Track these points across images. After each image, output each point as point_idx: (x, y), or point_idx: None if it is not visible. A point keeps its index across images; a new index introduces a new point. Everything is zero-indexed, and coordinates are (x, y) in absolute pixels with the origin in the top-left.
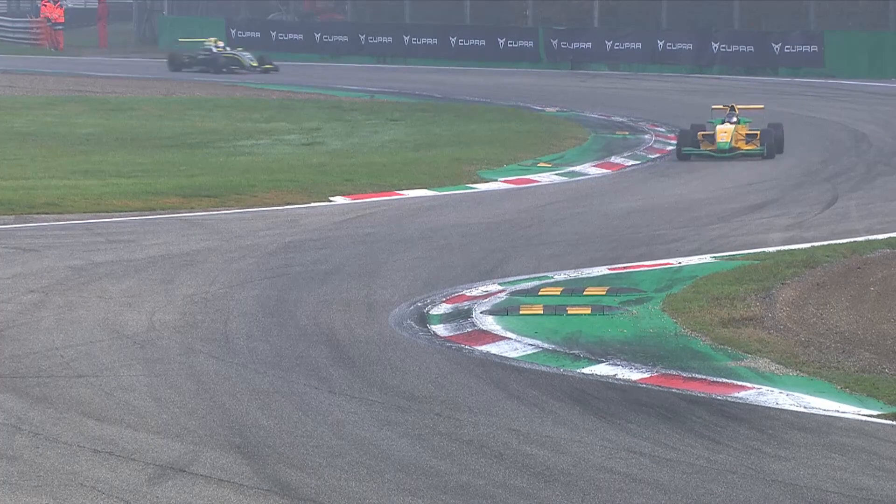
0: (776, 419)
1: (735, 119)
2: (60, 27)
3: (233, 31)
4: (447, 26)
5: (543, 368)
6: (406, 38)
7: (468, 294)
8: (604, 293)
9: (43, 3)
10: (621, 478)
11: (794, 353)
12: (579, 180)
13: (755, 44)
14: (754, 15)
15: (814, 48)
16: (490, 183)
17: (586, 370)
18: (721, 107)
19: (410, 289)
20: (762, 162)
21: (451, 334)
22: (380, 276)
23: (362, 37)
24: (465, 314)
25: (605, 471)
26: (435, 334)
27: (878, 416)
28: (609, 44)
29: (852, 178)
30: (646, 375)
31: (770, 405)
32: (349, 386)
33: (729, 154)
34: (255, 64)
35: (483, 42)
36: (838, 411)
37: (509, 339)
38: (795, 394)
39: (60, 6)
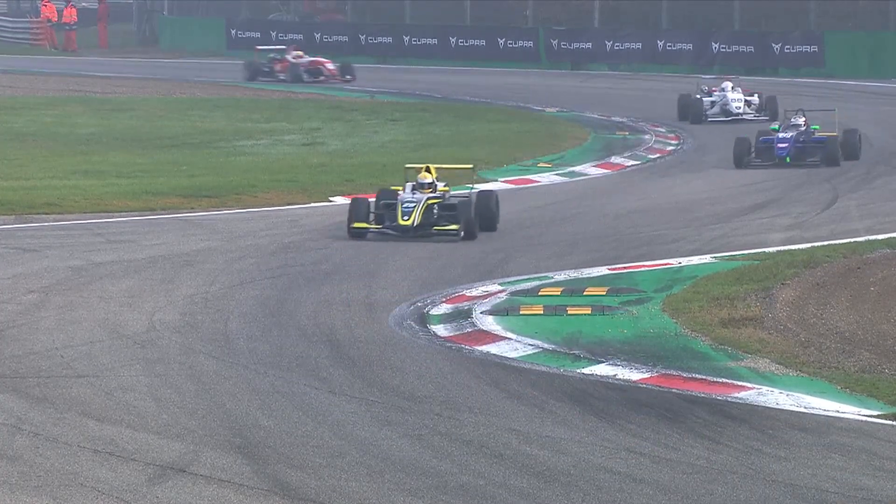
0: (776, 419)
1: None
2: (74, 27)
3: (233, 32)
4: (447, 26)
5: (543, 368)
6: (406, 38)
7: (468, 294)
8: (604, 293)
9: (44, 3)
10: (621, 478)
11: (794, 354)
12: (579, 180)
13: (755, 44)
14: (754, 15)
15: (814, 48)
16: (490, 183)
17: (586, 370)
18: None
19: (410, 289)
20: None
21: (451, 334)
22: (380, 277)
23: (362, 37)
24: (465, 314)
25: (606, 471)
26: (435, 334)
27: (878, 417)
28: (609, 44)
29: (852, 179)
30: (646, 375)
31: (770, 405)
32: (349, 386)
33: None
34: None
35: (483, 42)
36: (838, 411)
37: (509, 339)
38: (795, 394)
39: (73, 6)
